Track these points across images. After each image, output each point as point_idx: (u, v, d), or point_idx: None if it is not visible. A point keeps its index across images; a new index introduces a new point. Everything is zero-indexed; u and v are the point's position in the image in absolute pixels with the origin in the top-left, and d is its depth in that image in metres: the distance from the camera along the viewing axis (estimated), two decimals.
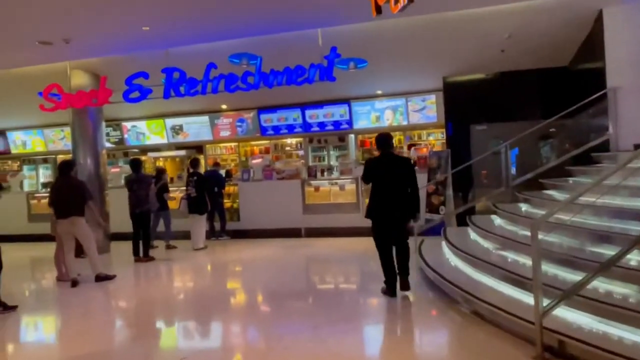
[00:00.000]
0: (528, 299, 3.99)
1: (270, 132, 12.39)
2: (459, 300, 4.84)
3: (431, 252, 6.72)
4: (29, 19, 6.00)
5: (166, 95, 8.18)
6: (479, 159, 8.63)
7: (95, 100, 8.59)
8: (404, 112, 11.44)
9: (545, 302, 3.54)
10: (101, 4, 5.69)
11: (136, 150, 14.11)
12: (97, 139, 9.63)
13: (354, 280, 6.98)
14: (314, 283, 7.01)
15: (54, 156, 13.98)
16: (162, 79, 8.16)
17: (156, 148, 13.84)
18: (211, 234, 10.12)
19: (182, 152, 13.83)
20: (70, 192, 6.62)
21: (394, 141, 11.85)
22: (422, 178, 9.35)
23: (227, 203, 10.75)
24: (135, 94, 8.25)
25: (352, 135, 12.69)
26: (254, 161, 11.14)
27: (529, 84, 9.87)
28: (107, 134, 13.14)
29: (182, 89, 8.12)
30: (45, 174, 14.25)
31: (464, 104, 10.02)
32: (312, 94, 11.16)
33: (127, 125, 13.09)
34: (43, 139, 13.44)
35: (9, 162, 15.49)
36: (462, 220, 7.80)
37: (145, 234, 8.37)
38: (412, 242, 7.58)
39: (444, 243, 6.83)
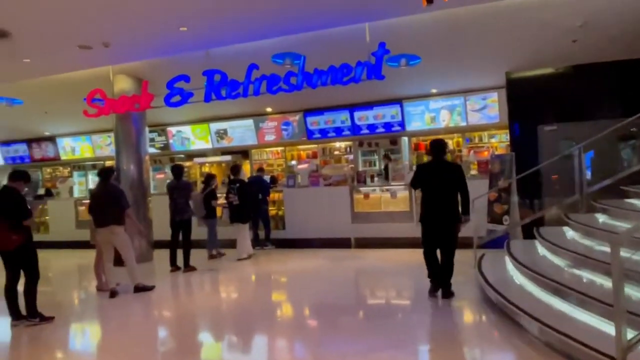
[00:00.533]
0: (608, 328, 3.54)
1: (317, 135, 12.25)
2: (524, 325, 4.41)
3: (492, 268, 6.28)
4: (69, 22, 6.16)
5: (207, 99, 8.20)
6: (548, 162, 8.03)
7: (137, 105, 8.75)
8: (462, 112, 10.96)
9: (630, 333, 3.11)
10: (136, 4, 5.72)
11: (182, 155, 14.40)
12: (140, 145, 9.82)
13: (407, 296, 6.67)
14: (364, 298, 6.74)
15: (102, 162, 14.51)
16: (204, 82, 8.20)
17: (202, 153, 14.04)
18: (255, 243, 10.07)
19: (228, 158, 13.86)
20: (109, 200, 6.72)
21: (450, 143, 11.94)
22: (482, 184, 8.87)
23: (272, 210, 10.69)
24: (177, 98, 8.32)
25: (405, 138, 12.33)
26: (300, 166, 11.06)
27: (606, 79, 9.12)
28: (152, 140, 13.59)
29: (223, 91, 8.11)
30: (94, 180, 14.79)
31: (531, 102, 9.40)
32: (361, 94, 10.94)
33: (172, 130, 13.36)
34: (91, 145, 13.99)
35: (60, 168, 16.29)
36: (529, 232, 7.26)
37: (186, 242, 8.38)
38: (472, 255, 7.27)
39: (507, 258, 6.35)
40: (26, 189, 6.13)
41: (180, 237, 8.41)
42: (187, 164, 14.51)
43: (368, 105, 11.63)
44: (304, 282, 7.42)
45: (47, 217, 13.05)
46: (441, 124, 11.19)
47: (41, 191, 14.27)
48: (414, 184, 5.97)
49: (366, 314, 5.78)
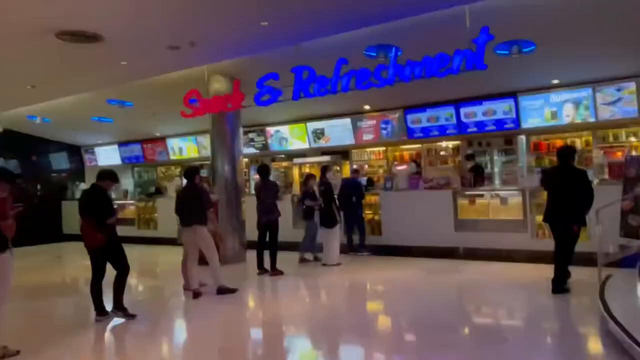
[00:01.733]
0: None
1: (419, 134, 11.62)
2: None
3: (620, 296, 5.28)
4: (155, 24, 6.38)
5: (295, 97, 8.08)
6: None
7: (229, 105, 8.92)
8: (590, 105, 9.64)
9: None
10: (215, 1, 5.72)
11: (282, 155, 14.64)
12: (235, 145, 10.03)
13: (518, 320, 5.87)
14: (465, 320, 5.96)
15: (207, 162, 15.25)
16: (293, 80, 8.09)
17: (302, 154, 14.12)
18: (349, 249, 9.80)
19: (327, 158, 13.77)
20: (192, 201, 6.86)
21: (578, 143, 10.61)
22: (615, 191, 7.65)
23: (368, 215, 10.35)
24: (266, 97, 8.33)
25: (523, 137, 11.22)
26: (398, 168, 10.61)
27: None
28: (252, 140, 13.99)
29: (311, 88, 7.91)
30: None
31: None
32: (467, 88, 10.19)
33: (271, 130, 13.57)
34: (196, 145, 14.75)
35: (172, 167, 17.47)
36: None
37: (273, 245, 8.34)
38: (594, 275, 6.29)
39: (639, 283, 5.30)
40: (114, 187, 6.42)
41: (268, 239, 8.40)
42: (284, 164, 14.77)
43: (476, 100, 10.76)
44: (392, 296, 7.03)
45: (155, 215, 13.98)
46: (564, 120, 9.96)
47: (151, 189, 15.36)
48: (544, 185, 6.95)
49: (457, 338, 5.16)
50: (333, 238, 8.92)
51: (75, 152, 17.42)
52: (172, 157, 15.61)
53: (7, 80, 9.14)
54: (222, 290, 7.00)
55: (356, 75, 7.43)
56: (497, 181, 11.12)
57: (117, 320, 5.98)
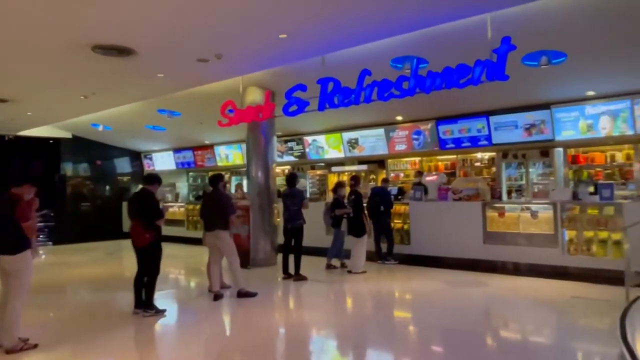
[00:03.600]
0: None
1: (451, 145, 11.07)
2: None
3: None
4: (183, 37, 6.35)
5: (321, 107, 7.88)
6: None
7: (260, 115, 8.84)
8: (629, 117, 8.80)
9: None
10: (232, 15, 5.60)
11: (322, 164, 14.49)
12: (268, 153, 9.95)
13: (535, 337, 5.31)
14: (481, 336, 5.34)
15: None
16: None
17: (339, 162, 13.93)
18: (377, 257, 9.47)
19: (364, 167, 13.70)
20: (215, 206, 6.79)
21: (619, 156, 9.79)
22: None
23: (397, 224, 9.96)
24: (294, 108, 8.17)
25: (560, 149, 10.50)
26: (428, 178, 10.17)
27: None
28: (291, 148, 13.91)
29: (335, 99, 7.68)
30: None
31: None
32: (499, 99, 9.69)
33: (309, 139, 13.42)
34: (241, 153, 14.83)
35: (222, 173, 17.68)
36: None
37: (297, 250, 8.16)
38: (621, 295, 5.63)
39: None
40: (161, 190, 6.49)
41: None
42: (319, 172, 14.60)
43: (509, 112, 10.13)
44: (413, 306, 6.72)
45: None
46: (601, 132, 9.16)
47: (199, 193, 15.60)
48: None
49: (470, 352, 4.69)
50: (360, 246, 8.62)
51: (136, 157, 18.00)
52: (220, 164, 15.78)
53: (63, 92, 9.48)
54: (242, 294, 6.87)
55: (378, 86, 7.12)
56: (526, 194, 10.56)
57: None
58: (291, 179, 8.35)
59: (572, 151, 10.50)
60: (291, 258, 8.24)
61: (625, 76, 8.15)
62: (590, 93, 9.04)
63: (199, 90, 9.83)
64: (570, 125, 9.46)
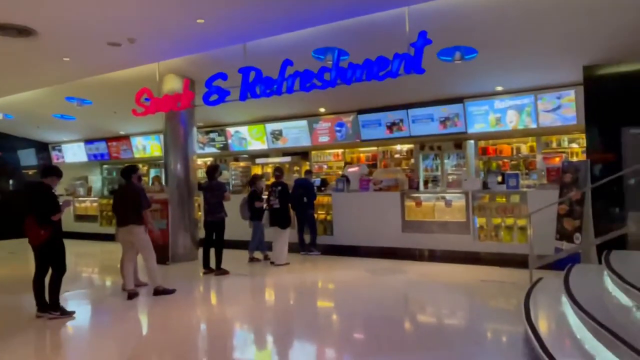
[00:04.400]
0: None
1: (372, 137, 11.24)
2: None
3: (545, 301, 4.98)
4: (91, 19, 5.85)
5: (242, 97, 7.64)
6: (633, 169, 6.46)
7: (179, 104, 8.42)
8: (532, 112, 9.41)
9: None
10: None
11: (245, 155, 14.21)
12: (188, 144, 9.57)
13: (445, 320, 5.50)
14: (396, 320, 5.39)
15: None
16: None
17: (264, 154, 13.74)
18: (300, 248, 9.45)
19: (287, 159, 13.58)
20: (128, 199, 6.37)
21: (523, 148, 10.44)
22: (552, 195, 7.49)
23: (320, 215, 9.98)
24: (214, 97, 7.85)
25: (472, 142, 11.04)
26: (350, 169, 10.25)
27: None
28: (213, 140, 13.48)
29: (257, 89, 7.48)
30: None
31: (613, 101, 7.68)
32: (417, 93, 9.97)
33: (231, 130, 13.08)
34: (159, 144, 14.14)
35: (140, 165, 16.78)
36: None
37: (219, 244, 7.91)
38: (526, 277, 6.00)
39: (563, 297, 4.88)
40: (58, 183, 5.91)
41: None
42: (242, 164, 14.33)
43: (426, 105, 10.45)
44: (334, 295, 6.75)
45: None
46: (508, 126, 9.70)
47: (114, 187, 14.72)
48: None
49: (379, 344, 4.75)
50: (283, 238, 8.53)
51: (43, 148, 16.66)
52: (137, 155, 14.98)
53: None
54: (159, 292, 6.53)
55: (300, 76, 7.01)
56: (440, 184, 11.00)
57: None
58: (211, 171, 8.07)
59: (482, 143, 11.07)
60: (212, 252, 7.99)
61: (529, 72, 8.63)
62: (499, 88, 9.52)
63: (112, 76, 9.24)
64: (481, 119, 9.91)
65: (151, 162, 15.90)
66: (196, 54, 7.96)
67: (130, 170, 6.58)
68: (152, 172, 15.77)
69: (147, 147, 14.63)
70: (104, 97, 10.94)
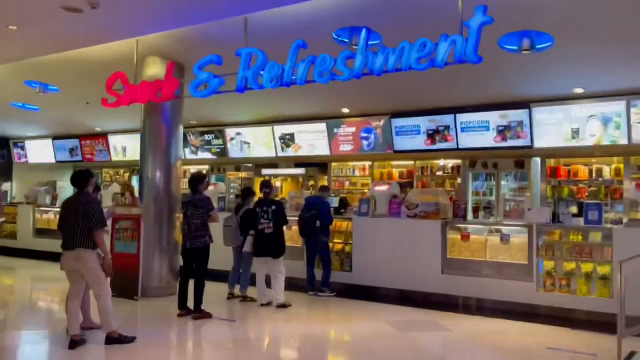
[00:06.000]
0: None
1: (406, 147, 11.03)
2: None
3: None
4: None
5: (240, 88, 7.17)
6: None
7: (159, 94, 7.98)
8: (624, 124, 8.90)
9: None
10: None
11: (249, 165, 13.97)
12: (172, 147, 9.18)
13: None
14: None
15: None
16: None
17: (271, 163, 13.55)
18: (310, 286, 9.00)
19: (301, 171, 13.49)
20: (80, 216, 5.88)
21: (607, 171, 9.95)
22: None
23: (337, 244, 9.60)
24: (204, 87, 7.44)
25: (538, 160, 10.77)
26: (377, 188, 9.91)
27: None
28: (209, 143, 13.34)
29: (260, 79, 6.98)
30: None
31: None
32: (469, 92, 9.66)
33: (231, 132, 12.86)
34: None
35: (121, 170, 16.61)
36: None
37: (199, 278, 7.40)
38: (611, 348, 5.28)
39: None
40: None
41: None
42: (243, 175, 14.11)
43: (480, 110, 10.14)
44: (345, 357, 6.30)
45: None
46: (589, 140, 9.26)
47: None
48: None
49: None
50: (281, 269, 8.10)
51: (3, 145, 16.78)
52: (115, 158, 14.94)
53: None
54: (114, 339, 6.00)
55: (315, 62, 6.50)
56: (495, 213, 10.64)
57: None
58: (195, 181, 7.57)
59: (551, 162, 10.78)
60: (192, 287, 7.47)
61: (621, 70, 8.16)
62: (579, 90, 9.09)
63: (82, 57, 8.98)
64: (553, 130, 9.53)
65: (134, 168, 15.67)
66: (186, 27, 7.57)
67: (85, 177, 6.13)
68: (135, 180, 15.54)
69: (128, 148, 14.44)
70: (73, 83, 10.74)
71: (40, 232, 13.90)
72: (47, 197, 14.54)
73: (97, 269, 5.95)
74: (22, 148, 16.41)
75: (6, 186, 15.26)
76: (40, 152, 16.14)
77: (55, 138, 15.70)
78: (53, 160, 15.97)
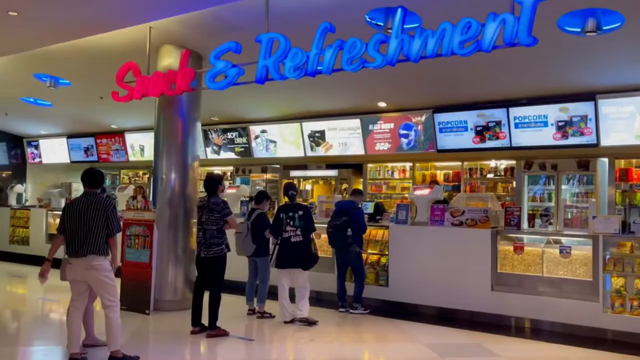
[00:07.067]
0: None
1: (451, 146, 10.94)
2: None
3: None
4: None
5: (260, 79, 7.07)
6: None
7: (173, 86, 7.95)
8: None
9: None
10: None
11: (277, 165, 14.03)
12: (188, 145, 9.21)
13: None
14: None
15: None
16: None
17: (300, 164, 13.56)
18: (340, 302, 8.89)
19: (333, 172, 13.46)
20: (92, 219, 5.90)
21: None
22: None
23: (371, 256, 9.49)
24: (220, 77, 7.40)
25: (605, 160, 10.47)
26: (417, 192, 9.66)
27: None
28: (232, 141, 13.43)
29: (282, 68, 6.85)
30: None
31: None
32: (523, 82, 9.61)
33: (256, 129, 12.90)
34: None
35: (140, 172, 16.81)
36: None
37: (214, 291, 7.32)
38: None
39: None
40: None
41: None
42: (269, 176, 14.18)
43: (536, 102, 9.97)
44: None
45: None
46: None
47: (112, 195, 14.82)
48: None
49: None
50: (306, 281, 8.07)
51: (16, 144, 17.28)
52: (132, 158, 15.18)
53: None
54: (117, 359, 5.91)
55: (343, 48, 6.36)
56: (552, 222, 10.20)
57: None
58: (210, 182, 7.51)
59: (621, 163, 10.58)
60: (206, 300, 7.41)
61: None
62: None
63: (93, 47, 9.13)
64: (622, 126, 9.35)
65: (152, 169, 15.88)
66: (202, 10, 7.61)
67: (101, 175, 6.24)
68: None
69: (145, 147, 14.65)
70: (84, 76, 10.95)
71: (52, 238, 14.19)
72: (62, 200, 14.89)
73: (110, 277, 5.97)
74: (36, 147, 16.85)
75: (19, 188, 15.57)
76: (54, 151, 16.54)
77: (70, 136, 16.07)
78: (67, 160, 16.33)
